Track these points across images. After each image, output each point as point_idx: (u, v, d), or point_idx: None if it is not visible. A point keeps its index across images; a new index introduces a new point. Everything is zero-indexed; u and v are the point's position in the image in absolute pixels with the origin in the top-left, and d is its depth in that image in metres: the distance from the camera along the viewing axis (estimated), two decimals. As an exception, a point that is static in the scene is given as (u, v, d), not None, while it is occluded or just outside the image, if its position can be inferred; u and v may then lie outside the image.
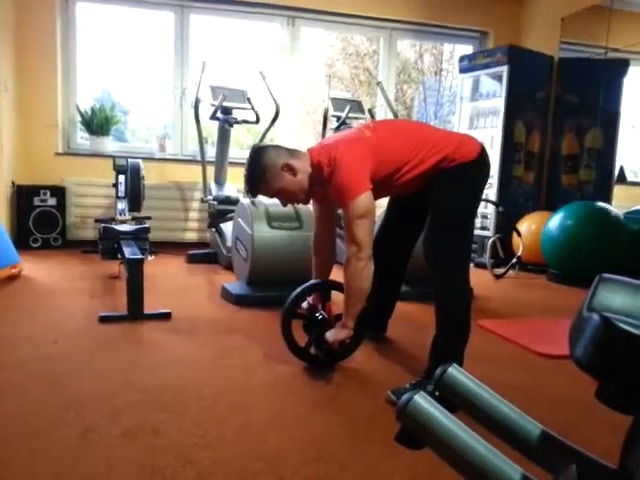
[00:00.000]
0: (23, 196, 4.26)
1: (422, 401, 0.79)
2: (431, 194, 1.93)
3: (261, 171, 1.91)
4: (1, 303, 2.75)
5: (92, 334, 2.30)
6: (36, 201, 4.27)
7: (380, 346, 2.30)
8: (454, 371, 0.95)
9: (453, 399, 0.92)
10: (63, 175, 4.42)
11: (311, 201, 2.09)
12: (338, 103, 4.29)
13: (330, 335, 1.89)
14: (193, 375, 1.91)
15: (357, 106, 4.35)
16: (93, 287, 3.15)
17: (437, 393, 0.93)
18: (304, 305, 2.03)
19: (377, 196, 1.91)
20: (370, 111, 4.41)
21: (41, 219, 4.29)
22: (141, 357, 2.07)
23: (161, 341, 2.26)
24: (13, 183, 4.25)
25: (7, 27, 4.13)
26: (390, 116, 4.92)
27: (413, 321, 2.71)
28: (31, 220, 4.25)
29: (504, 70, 4.52)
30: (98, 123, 4.51)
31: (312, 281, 2.06)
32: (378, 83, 4.79)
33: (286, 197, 1.97)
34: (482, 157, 1.91)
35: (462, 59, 4.95)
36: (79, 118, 4.59)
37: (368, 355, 2.17)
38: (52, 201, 4.32)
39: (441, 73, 7.83)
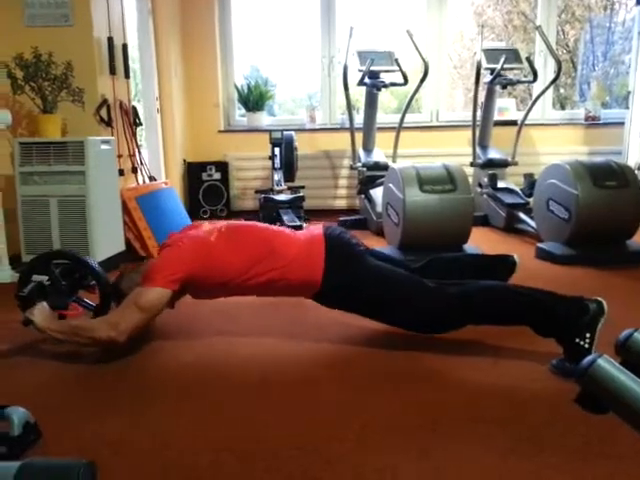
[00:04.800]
0: (193, 172, 4.72)
1: (606, 364, 0.73)
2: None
3: None
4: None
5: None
6: (204, 176, 4.71)
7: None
8: (640, 336, 0.86)
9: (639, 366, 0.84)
10: (225, 151, 4.80)
11: None
12: (492, 54, 4.00)
13: (38, 308, 1.80)
14: (352, 334, 1.99)
15: (513, 55, 4.02)
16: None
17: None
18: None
19: (218, 294, 1.95)
20: (528, 59, 4.05)
21: (209, 192, 4.72)
22: (302, 316, 2.21)
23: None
24: (184, 161, 4.73)
25: (175, 20, 4.54)
26: (551, 63, 4.48)
27: (578, 288, 2.49)
28: (200, 193, 4.71)
29: (696, -7, 3.82)
30: (254, 99, 4.79)
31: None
32: (537, 27, 4.36)
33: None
34: (329, 263, 1.82)
35: (640, -13, 4.28)
36: (237, 96, 4.92)
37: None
38: (217, 175, 4.73)
39: (612, 7, 6.87)
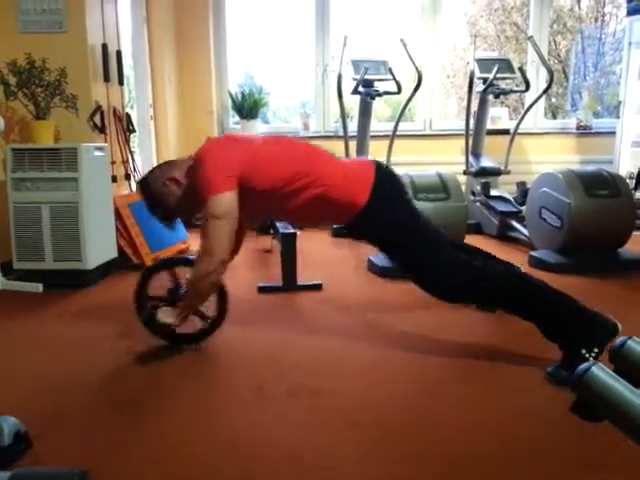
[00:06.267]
0: (187, 179, 4.70)
1: (600, 372, 0.73)
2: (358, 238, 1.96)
3: (153, 198, 1.89)
4: (175, 274, 3.12)
5: (253, 303, 2.50)
6: (198, 183, 4.69)
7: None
8: (634, 344, 0.86)
9: (633, 374, 0.84)
10: (219, 158, 4.79)
11: None
12: (484, 64, 4.04)
13: (161, 312, 1.83)
14: (347, 343, 1.99)
15: (506, 65, 4.05)
16: (250, 260, 3.40)
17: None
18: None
19: (272, 214, 1.98)
20: (520, 69, 4.09)
21: (203, 199, 4.70)
22: (299, 324, 2.21)
23: (315, 310, 2.39)
24: (178, 168, 4.71)
25: (170, 28, 4.54)
26: (543, 73, 4.52)
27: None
28: (194, 200, 4.69)
29: (685, 5, 3.88)
30: (248, 107, 4.79)
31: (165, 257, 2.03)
32: (529, 38, 4.41)
33: (192, 207, 1.90)
34: (375, 192, 1.79)
35: (630, -1, 4.34)
36: (231, 103, 4.92)
37: (524, 329, 2.07)
38: (211, 182, 4.71)
39: (603, 18, 6.96)
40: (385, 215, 1.82)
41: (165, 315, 1.82)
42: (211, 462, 1.27)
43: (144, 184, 1.92)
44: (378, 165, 1.89)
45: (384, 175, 1.87)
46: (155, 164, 4.35)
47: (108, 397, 1.62)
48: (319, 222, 2.02)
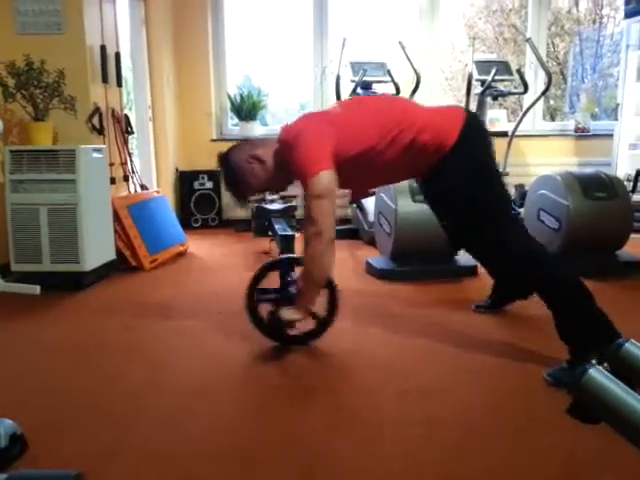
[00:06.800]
0: (185, 181, 4.71)
1: (598, 374, 0.73)
2: (435, 191, 1.85)
3: (234, 173, 1.88)
4: (174, 277, 3.12)
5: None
6: (196, 185, 4.69)
7: (543, 321, 2.17)
8: (631, 346, 0.86)
9: (630, 376, 0.84)
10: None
11: None
12: (483, 66, 4.05)
13: (283, 311, 1.81)
14: (348, 343, 1.99)
15: (504, 67, 4.07)
16: (248, 262, 3.40)
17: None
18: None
19: (357, 181, 1.87)
20: (519, 71, 4.10)
21: (201, 201, 4.71)
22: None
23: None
24: (177, 169, 4.71)
25: (168, 29, 4.55)
26: (541, 75, 4.53)
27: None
28: (192, 202, 4.70)
29: (682, 8, 3.88)
30: (247, 109, 4.79)
31: (281, 256, 2.06)
32: (527, 40, 4.41)
33: (270, 186, 1.96)
34: (465, 134, 1.72)
35: (628, 1, 4.36)
36: (229, 105, 4.92)
37: (530, 329, 2.08)
38: (209, 184, 4.71)
39: (601, 21, 6.98)
40: (468, 161, 1.75)
41: (289, 314, 1.80)
42: (210, 462, 1.26)
43: (226, 158, 1.91)
44: (468, 111, 1.86)
45: (473, 121, 1.82)
46: (154, 165, 4.37)
47: (106, 400, 1.61)
48: (407, 175, 1.97)
